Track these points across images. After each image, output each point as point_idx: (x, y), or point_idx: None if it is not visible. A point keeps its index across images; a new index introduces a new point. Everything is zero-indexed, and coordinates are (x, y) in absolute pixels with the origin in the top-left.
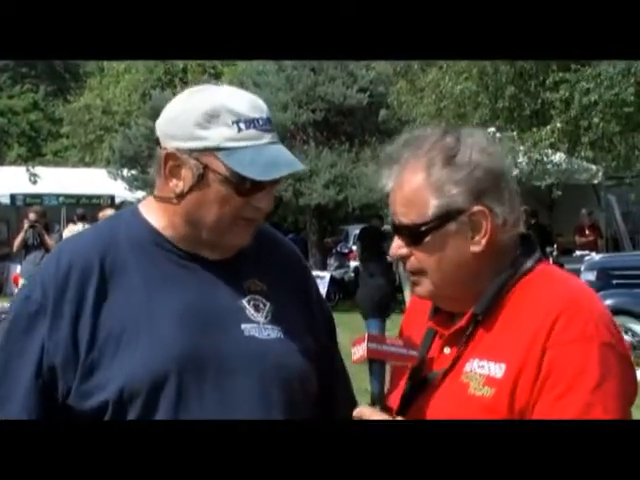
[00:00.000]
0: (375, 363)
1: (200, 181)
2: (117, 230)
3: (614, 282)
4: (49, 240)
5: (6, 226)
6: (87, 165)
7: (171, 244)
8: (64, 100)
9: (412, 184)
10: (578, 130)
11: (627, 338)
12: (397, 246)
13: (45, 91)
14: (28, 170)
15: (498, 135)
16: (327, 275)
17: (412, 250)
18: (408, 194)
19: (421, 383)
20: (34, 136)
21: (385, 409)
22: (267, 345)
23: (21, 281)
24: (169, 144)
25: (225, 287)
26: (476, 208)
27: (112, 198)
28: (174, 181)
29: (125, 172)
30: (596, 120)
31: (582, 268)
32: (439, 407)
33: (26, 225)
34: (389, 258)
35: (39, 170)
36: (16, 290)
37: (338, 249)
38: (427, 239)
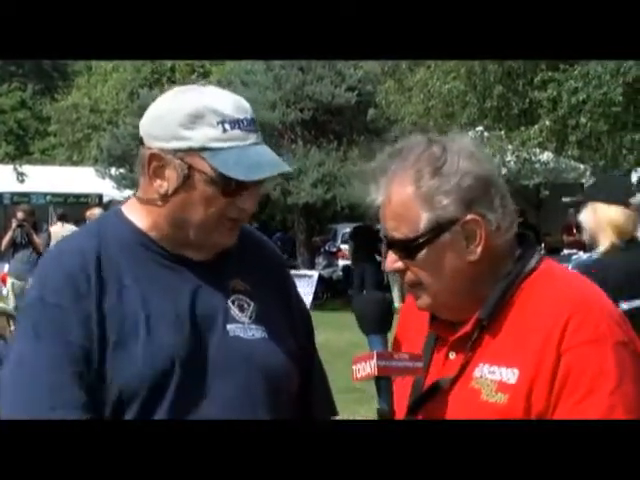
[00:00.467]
0: (382, 380)
1: (185, 181)
2: (105, 232)
3: None
4: (37, 239)
5: None
6: (75, 164)
7: (156, 245)
8: (52, 99)
9: (401, 198)
10: (566, 129)
11: None
12: (392, 260)
13: (33, 89)
14: (15, 169)
15: (486, 134)
16: (315, 274)
17: (407, 264)
18: (398, 208)
19: (429, 391)
20: (22, 134)
21: None
22: (252, 345)
23: (9, 280)
24: (153, 144)
25: (210, 288)
26: (469, 217)
27: (100, 197)
28: (158, 181)
29: (113, 171)
30: (584, 119)
31: (570, 267)
32: (451, 415)
33: (14, 224)
34: (379, 257)
35: (26, 169)
36: (4, 289)
37: (326, 248)
38: (421, 253)
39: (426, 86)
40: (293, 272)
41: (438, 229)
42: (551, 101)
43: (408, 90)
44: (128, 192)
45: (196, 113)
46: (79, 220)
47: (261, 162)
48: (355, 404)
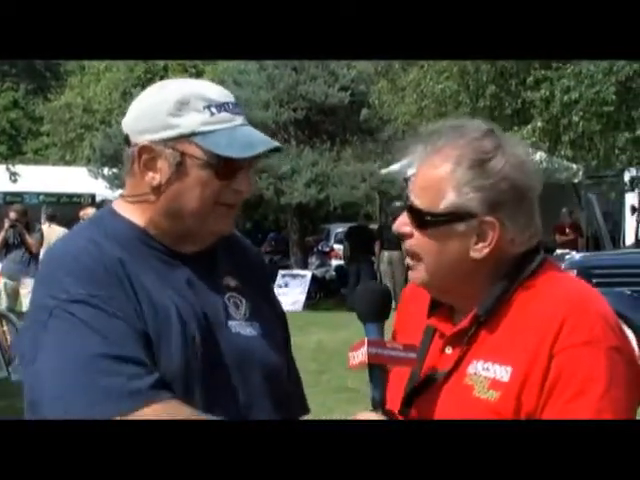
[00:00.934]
0: (375, 368)
1: (178, 169)
2: (105, 229)
3: (594, 281)
4: (30, 239)
5: None
6: (68, 164)
7: (155, 241)
8: (44, 98)
9: (436, 172)
10: (558, 129)
11: None
12: (402, 222)
13: (25, 89)
14: (8, 169)
15: None
16: (308, 274)
17: (415, 232)
18: (429, 180)
19: (423, 384)
20: (14, 134)
21: (387, 414)
22: (251, 342)
23: (2, 280)
24: (141, 138)
25: (208, 285)
26: (488, 218)
27: (93, 197)
28: (150, 174)
29: (106, 171)
30: (576, 119)
31: (562, 267)
32: (443, 409)
33: (7, 224)
34: (373, 258)
35: (19, 168)
36: None
37: (319, 248)
38: (432, 229)
39: (419, 86)
40: (286, 272)
41: (456, 216)
42: (544, 101)
43: (401, 90)
44: (121, 192)
45: (182, 100)
46: (73, 220)
47: (252, 140)
48: (347, 404)
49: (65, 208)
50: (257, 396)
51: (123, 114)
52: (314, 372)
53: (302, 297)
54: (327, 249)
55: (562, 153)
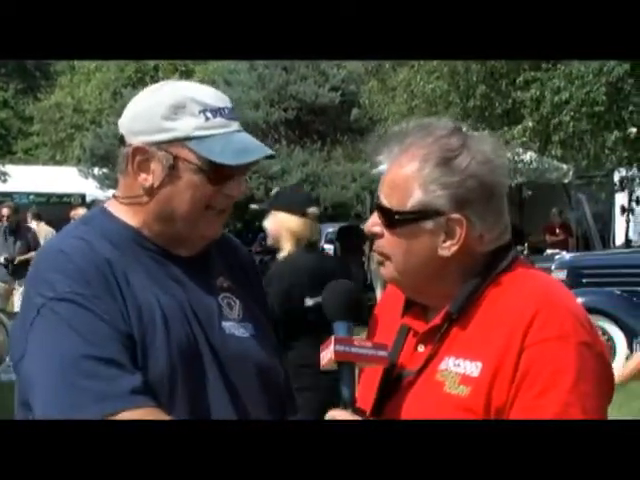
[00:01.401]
0: (344, 366)
1: (171, 172)
2: (96, 229)
3: (584, 281)
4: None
5: None
6: (58, 163)
7: (149, 241)
8: (34, 98)
9: (404, 171)
10: (549, 129)
11: None
12: (373, 223)
13: (15, 89)
14: None
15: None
16: None
17: (384, 231)
18: (397, 179)
19: (395, 382)
20: (4, 134)
21: (357, 412)
22: (246, 343)
23: None
24: (135, 140)
25: (201, 285)
26: (455, 215)
27: (83, 197)
28: (143, 175)
29: (96, 171)
30: (567, 119)
31: (553, 267)
32: (414, 407)
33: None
34: (363, 258)
35: (9, 168)
36: None
37: None
38: (400, 228)
39: (409, 86)
40: None
41: (423, 214)
42: (534, 101)
43: (391, 90)
44: (111, 192)
45: (177, 104)
46: (63, 220)
47: (247, 147)
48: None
49: (55, 208)
50: (251, 397)
51: (114, 114)
52: None
53: None
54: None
55: (552, 153)
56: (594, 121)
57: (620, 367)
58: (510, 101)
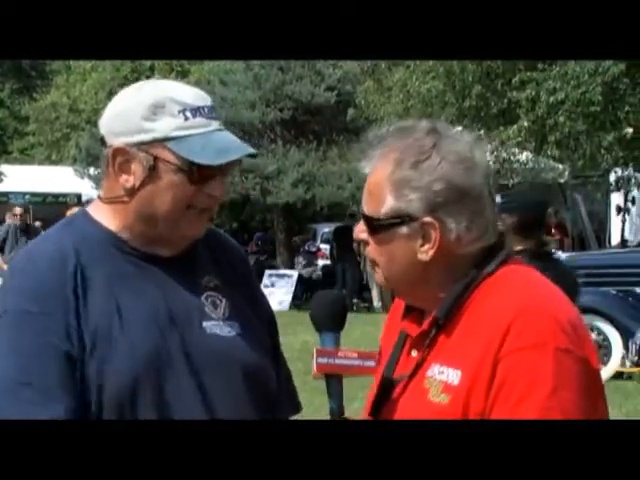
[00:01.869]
0: (331, 378)
1: (151, 173)
2: (76, 234)
3: (580, 281)
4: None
5: None
6: (53, 163)
7: (127, 245)
8: (30, 98)
9: (378, 176)
10: (544, 129)
11: (593, 336)
12: (359, 230)
13: (11, 89)
14: None
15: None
16: (295, 274)
17: (369, 238)
18: (372, 185)
19: (390, 386)
20: (0, 134)
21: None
22: (230, 342)
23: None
24: (116, 141)
25: (183, 285)
26: (427, 219)
27: (79, 196)
28: (124, 176)
29: (92, 170)
30: (562, 119)
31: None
32: (403, 412)
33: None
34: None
35: (5, 168)
36: None
37: (306, 248)
38: (380, 234)
39: (405, 86)
40: (273, 272)
41: (397, 219)
42: (530, 101)
43: (387, 90)
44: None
45: (156, 104)
46: (59, 220)
47: (227, 146)
48: None
49: (51, 208)
50: (237, 396)
51: None
52: (300, 372)
53: (288, 297)
54: (314, 249)
55: (548, 153)
56: (590, 121)
57: (616, 367)
58: (506, 101)
